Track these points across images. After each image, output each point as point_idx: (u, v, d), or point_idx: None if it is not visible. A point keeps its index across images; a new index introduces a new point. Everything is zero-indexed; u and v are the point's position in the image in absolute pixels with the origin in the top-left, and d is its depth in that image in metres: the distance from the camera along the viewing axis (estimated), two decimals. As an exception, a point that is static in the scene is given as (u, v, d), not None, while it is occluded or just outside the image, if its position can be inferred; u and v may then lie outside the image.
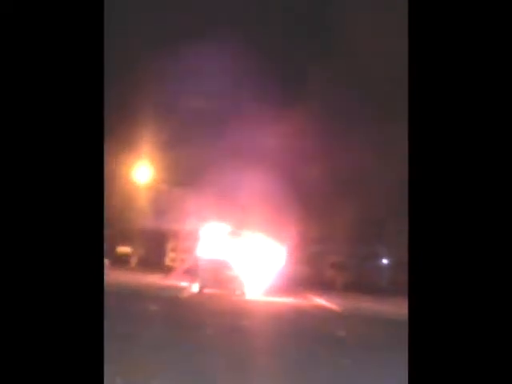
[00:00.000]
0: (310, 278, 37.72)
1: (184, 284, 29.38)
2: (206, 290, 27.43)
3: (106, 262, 42.38)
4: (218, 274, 28.22)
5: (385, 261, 41.21)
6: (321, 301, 27.77)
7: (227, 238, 34.00)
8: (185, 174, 46.14)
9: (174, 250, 43.48)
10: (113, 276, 31.51)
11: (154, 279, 30.85)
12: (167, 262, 42.47)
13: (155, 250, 43.91)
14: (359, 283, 37.63)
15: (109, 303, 18.03)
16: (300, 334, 14.84)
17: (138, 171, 46.25)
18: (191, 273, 31.06)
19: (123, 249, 45.21)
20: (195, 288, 27.88)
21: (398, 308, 20.45)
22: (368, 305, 26.98)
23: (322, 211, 42.23)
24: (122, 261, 43.20)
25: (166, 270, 36.63)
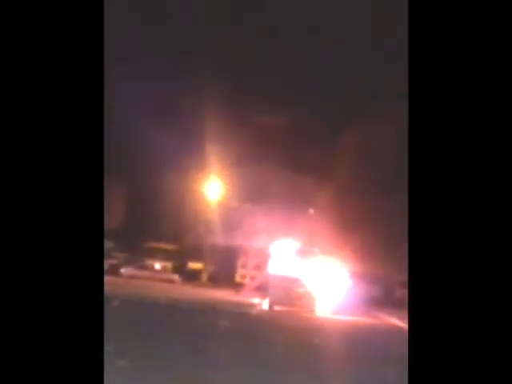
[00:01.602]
0: (380, 296, 37.23)
1: (254, 301, 29.39)
2: (277, 307, 27.34)
3: (177, 277, 42.91)
4: (288, 291, 28.09)
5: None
6: (392, 320, 27.31)
7: (297, 255, 33.92)
8: (255, 191, 46.36)
9: (243, 266, 43.62)
10: (184, 291, 31.84)
11: (224, 295, 30.96)
12: (237, 278, 42.61)
13: (225, 266, 44.14)
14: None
15: (179, 318, 18.15)
16: (370, 353, 14.60)
17: (209, 187, 46.68)
18: (261, 289, 31.04)
19: (194, 264, 45.59)
20: (265, 305, 27.83)
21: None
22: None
23: (392, 229, 41.67)
24: (192, 276, 43.57)
25: (236, 287, 36.74)
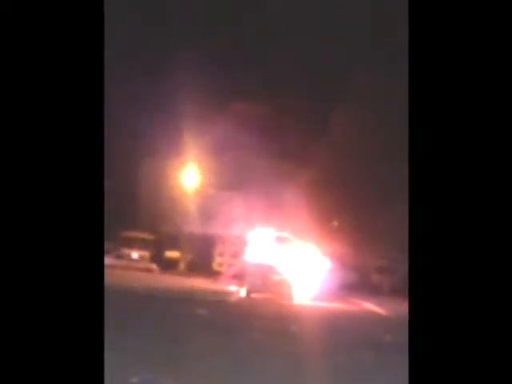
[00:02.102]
0: (357, 282, 37.50)
1: (232, 288, 29.48)
2: (254, 295, 27.45)
3: (155, 266, 42.86)
4: (265, 279, 28.21)
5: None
6: (369, 305, 27.55)
7: (274, 242, 34.00)
8: (232, 179, 46.34)
9: (221, 254, 43.68)
10: (161, 280, 31.84)
11: (201, 284, 31.01)
12: (215, 266, 42.67)
13: (203, 254, 44.17)
14: (406, 287, 37.21)
15: (157, 307, 18.18)
16: (348, 339, 14.75)
17: (186, 175, 46.60)
18: (239, 277, 31.12)
19: (171, 253, 45.57)
20: (243, 292, 27.93)
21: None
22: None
23: (367, 215, 41.97)
24: (170, 265, 43.55)
25: (214, 275, 36.80)
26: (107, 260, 42.01)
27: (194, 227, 45.11)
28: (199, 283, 31.15)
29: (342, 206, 41.64)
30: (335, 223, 45.21)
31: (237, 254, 37.96)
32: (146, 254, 44.15)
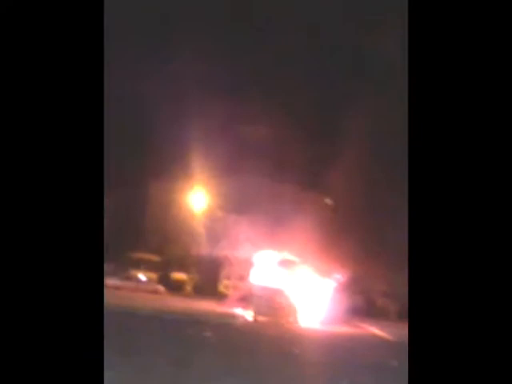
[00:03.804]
0: (362, 306, 37.41)
1: (238, 311, 29.52)
2: (260, 318, 27.49)
3: (162, 288, 42.83)
4: (271, 302, 28.24)
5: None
6: (373, 329, 27.55)
7: (280, 265, 34.04)
8: (239, 201, 46.44)
9: (227, 277, 43.68)
10: (168, 302, 31.88)
11: (208, 306, 31.06)
12: (221, 288, 42.66)
13: (209, 276, 44.14)
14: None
15: (164, 329, 18.13)
16: (352, 363, 14.81)
17: (194, 198, 46.75)
18: (245, 300, 31.15)
19: (178, 275, 45.56)
20: (249, 315, 27.97)
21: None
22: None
23: (373, 239, 41.95)
24: (177, 287, 43.54)
25: (220, 297, 36.81)
26: (114, 281, 42.08)
27: (201, 249, 45.15)
28: (206, 305, 31.20)
29: (348, 230, 41.65)
30: (328, 201, 45.11)
31: (243, 277, 37.99)
32: (153, 275, 44.16)
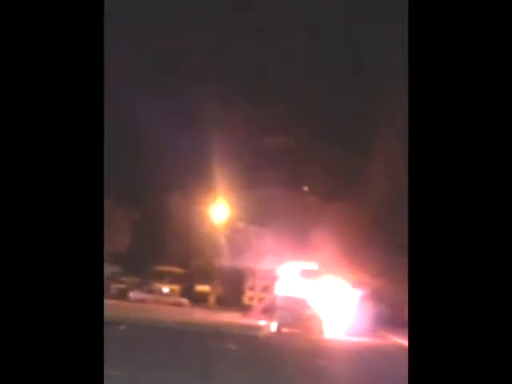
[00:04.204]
0: (389, 316, 37.05)
1: (262, 323, 29.35)
2: (284, 329, 27.30)
3: (185, 300, 42.86)
4: (296, 313, 28.05)
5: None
6: (400, 340, 27.22)
7: (305, 276, 33.85)
8: (261, 213, 46.42)
9: (251, 288, 43.63)
10: (192, 314, 31.84)
11: (232, 318, 30.94)
12: (245, 300, 42.62)
13: (233, 288, 44.15)
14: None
15: (187, 342, 18.08)
16: (378, 374, 14.59)
17: (216, 210, 46.81)
18: (269, 311, 31.01)
19: (202, 287, 45.61)
20: (273, 327, 27.79)
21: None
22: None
23: (397, 248, 41.62)
24: (200, 299, 43.56)
25: (244, 309, 36.72)
26: (138, 294, 42.22)
27: (224, 261, 45.20)
28: (229, 317, 31.09)
29: (372, 239, 41.40)
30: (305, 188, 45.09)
31: (267, 288, 37.91)
32: (177, 288, 44.29)
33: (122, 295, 41.97)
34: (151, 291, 43.24)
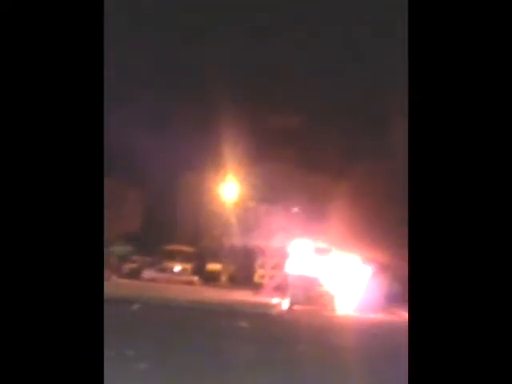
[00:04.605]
0: (400, 292, 37.07)
1: (274, 301, 29.42)
2: (296, 307, 27.36)
3: (197, 279, 43.02)
4: (307, 291, 28.10)
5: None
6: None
7: (315, 253, 33.87)
8: (271, 191, 46.37)
9: (262, 266, 43.64)
10: (203, 293, 31.93)
11: (243, 296, 31.02)
12: (256, 278, 42.64)
13: (244, 266, 44.20)
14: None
15: (199, 320, 18.13)
16: (391, 350, 14.59)
17: (226, 188, 46.77)
18: (281, 289, 31.06)
19: (213, 266, 45.70)
20: (285, 305, 27.85)
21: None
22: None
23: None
24: (212, 278, 43.68)
25: (256, 287, 36.79)
26: (149, 273, 42.38)
27: (235, 240, 45.23)
28: (241, 295, 31.15)
29: (383, 216, 41.27)
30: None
31: (278, 266, 37.92)
32: (188, 266, 44.39)
33: (134, 274, 42.12)
34: (163, 270, 43.36)
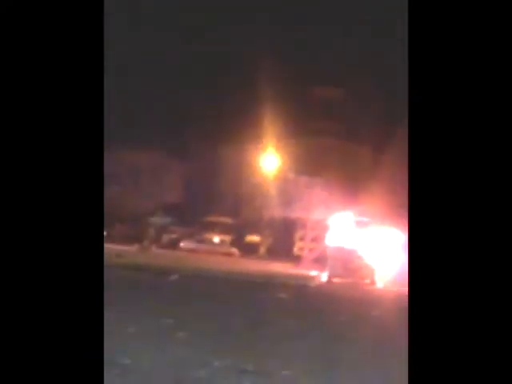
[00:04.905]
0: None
1: (313, 273, 29.40)
2: (335, 279, 27.31)
3: (236, 251, 43.19)
4: (347, 263, 28.00)
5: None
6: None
7: (355, 227, 33.72)
8: (311, 163, 46.19)
9: (302, 239, 43.69)
10: (242, 264, 32.09)
11: (282, 268, 31.08)
12: (296, 251, 42.74)
13: (283, 238, 44.30)
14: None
15: (238, 292, 18.34)
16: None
17: (266, 161, 46.74)
18: (320, 262, 31.05)
19: (252, 238, 45.92)
20: (324, 277, 27.82)
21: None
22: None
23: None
24: (251, 250, 43.88)
25: (295, 259, 36.85)
26: (189, 244, 42.73)
27: (275, 212, 45.33)
28: (280, 267, 31.23)
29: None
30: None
31: (318, 239, 37.92)
32: (227, 238, 44.69)
33: (173, 245, 42.51)
34: (202, 241, 43.71)
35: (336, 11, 48.45)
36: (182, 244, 43.19)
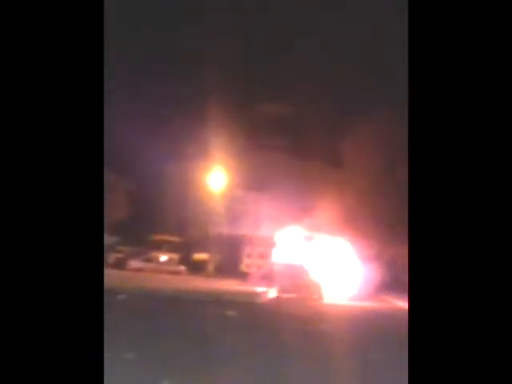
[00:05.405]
0: (388, 280, 37.19)
1: (261, 289, 29.37)
2: (284, 295, 27.34)
3: (183, 268, 42.93)
4: (294, 279, 28.07)
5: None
6: (400, 303, 27.31)
7: (303, 242, 33.85)
8: (258, 179, 46.29)
9: (249, 255, 43.56)
10: (190, 282, 31.85)
11: (230, 285, 30.95)
12: (243, 267, 42.55)
13: (231, 256, 44.12)
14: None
15: (186, 309, 18.13)
16: (379, 338, 14.58)
17: (212, 177, 46.61)
18: (268, 278, 31.01)
19: (200, 255, 45.61)
20: (272, 293, 27.82)
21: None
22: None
23: (395, 213, 41.66)
24: (198, 267, 43.59)
25: (243, 276, 36.72)
26: (136, 263, 42.26)
27: (222, 228, 45.13)
28: (228, 284, 31.09)
29: (372, 204, 41.32)
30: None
31: (265, 255, 37.89)
32: (175, 256, 44.25)
33: (120, 264, 41.97)
34: (149, 260, 43.21)
35: (336, 11, 48.68)
36: (129, 263, 42.65)
